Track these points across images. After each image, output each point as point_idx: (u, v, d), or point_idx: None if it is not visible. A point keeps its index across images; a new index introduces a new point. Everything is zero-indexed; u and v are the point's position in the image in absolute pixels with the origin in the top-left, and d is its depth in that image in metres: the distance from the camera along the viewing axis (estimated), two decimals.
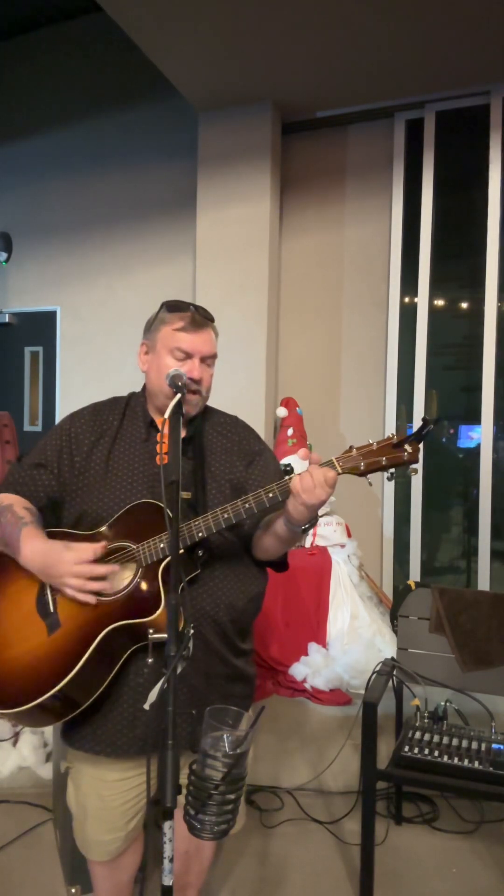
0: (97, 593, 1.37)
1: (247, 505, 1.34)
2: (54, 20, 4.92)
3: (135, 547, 1.41)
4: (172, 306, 1.54)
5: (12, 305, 5.18)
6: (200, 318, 1.52)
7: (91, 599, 1.35)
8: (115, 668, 1.39)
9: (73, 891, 2.10)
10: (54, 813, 2.44)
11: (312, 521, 1.37)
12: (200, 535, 1.37)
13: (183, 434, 1.54)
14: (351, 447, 1.34)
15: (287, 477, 1.35)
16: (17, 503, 1.49)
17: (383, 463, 1.32)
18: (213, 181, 4.15)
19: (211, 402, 1.68)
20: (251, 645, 1.63)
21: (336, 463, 1.33)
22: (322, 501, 1.30)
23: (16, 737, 2.76)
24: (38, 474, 1.53)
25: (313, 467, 1.30)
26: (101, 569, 1.35)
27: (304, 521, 1.35)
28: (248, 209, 4.07)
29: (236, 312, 4.01)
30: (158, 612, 1.33)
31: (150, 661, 1.34)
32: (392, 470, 1.33)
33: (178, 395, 1.35)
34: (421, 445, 1.33)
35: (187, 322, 1.50)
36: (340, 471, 1.32)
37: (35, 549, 1.40)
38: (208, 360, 1.53)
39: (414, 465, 1.33)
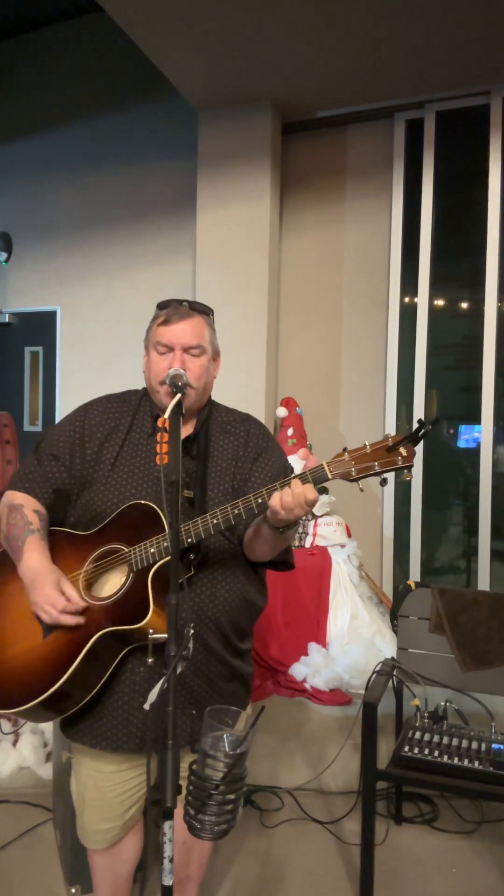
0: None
1: (236, 511, 1.33)
2: (54, 20, 4.92)
3: (127, 551, 1.41)
4: (161, 304, 1.56)
5: (12, 305, 5.18)
6: (183, 310, 1.51)
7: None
8: (110, 670, 1.40)
9: (73, 891, 2.10)
10: (54, 813, 2.44)
11: (290, 526, 1.34)
12: (189, 540, 1.36)
13: (190, 431, 1.55)
14: (344, 449, 1.30)
15: (279, 482, 1.32)
16: (28, 504, 1.49)
17: (376, 468, 1.27)
18: (213, 181, 4.14)
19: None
20: (250, 644, 1.63)
21: (327, 468, 1.29)
22: (300, 517, 1.29)
23: (16, 737, 2.76)
24: (49, 466, 1.54)
25: (296, 483, 1.28)
26: (67, 619, 1.36)
27: (281, 525, 1.33)
28: (248, 209, 4.06)
29: (236, 312, 4.01)
30: (146, 619, 1.33)
31: (150, 660, 1.34)
32: (385, 475, 1.29)
33: (178, 396, 1.34)
34: (418, 447, 1.28)
35: (168, 315, 1.51)
36: (331, 477, 1.29)
37: (29, 564, 1.42)
38: (192, 350, 1.49)
39: (408, 470, 1.28)
